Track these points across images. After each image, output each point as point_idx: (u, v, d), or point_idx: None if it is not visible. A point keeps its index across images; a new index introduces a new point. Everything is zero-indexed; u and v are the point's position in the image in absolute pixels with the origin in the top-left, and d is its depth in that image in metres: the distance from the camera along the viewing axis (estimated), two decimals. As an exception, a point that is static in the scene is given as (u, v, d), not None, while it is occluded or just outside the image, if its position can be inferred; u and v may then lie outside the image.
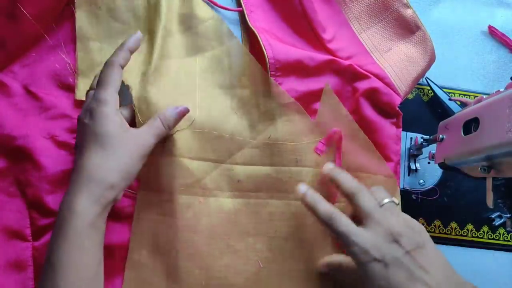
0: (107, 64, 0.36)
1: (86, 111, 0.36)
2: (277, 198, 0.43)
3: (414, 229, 0.36)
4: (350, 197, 0.38)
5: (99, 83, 0.36)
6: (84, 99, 0.41)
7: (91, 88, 0.39)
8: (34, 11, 0.41)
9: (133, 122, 0.40)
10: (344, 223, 0.36)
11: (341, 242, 0.36)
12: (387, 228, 0.35)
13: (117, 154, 0.35)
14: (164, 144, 0.41)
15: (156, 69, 0.43)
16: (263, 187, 0.43)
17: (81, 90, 0.43)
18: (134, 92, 0.41)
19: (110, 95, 0.35)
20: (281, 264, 0.42)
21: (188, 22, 0.45)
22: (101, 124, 0.35)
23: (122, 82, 0.41)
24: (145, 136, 0.37)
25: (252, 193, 0.43)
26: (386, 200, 0.37)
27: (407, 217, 0.37)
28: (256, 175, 0.43)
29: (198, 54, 0.45)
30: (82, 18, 0.43)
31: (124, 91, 0.41)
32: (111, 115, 0.35)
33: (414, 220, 0.37)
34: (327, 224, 0.36)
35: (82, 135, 0.35)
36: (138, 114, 0.40)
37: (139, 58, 0.44)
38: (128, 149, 0.35)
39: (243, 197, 0.43)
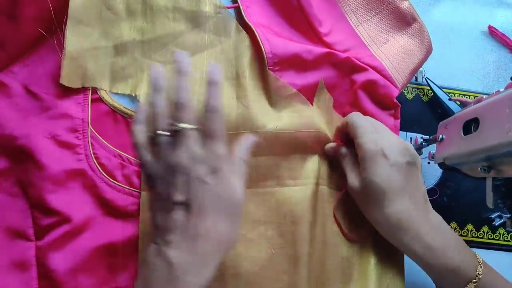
0: (216, 110, 0.33)
1: (203, 164, 0.31)
2: (284, 185, 0.43)
3: (416, 154, 0.40)
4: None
5: (212, 136, 0.32)
6: (67, 84, 0.41)
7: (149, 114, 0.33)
8: (34, 12, 0.41)
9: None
10: (363, 118, 0.41)
11: (353, 134, 0.40)
12: (400, 139, 0.40)
13: (238, 219, 0.33)
14: None
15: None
16: (270, 175, 0.43)
17: (66, 74, 0.42)
18: (142, 98, 0.43)
19: (227, 150, 0.33)
20: (293, 248, 0.42)
21: (196, 20, 0.45)
22: (230, 190, 0.32)
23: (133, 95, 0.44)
24: (242, 192, 0.33)
25: (260, 182, 0.43)
26: None
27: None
28: (264, 165, 0.43)
29: (207, 50, 0.45)
30: (76, 0, 0.43)
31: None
32: (237, 179, 0.33)
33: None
34: (347, 118, 0.41)
35: (202, 196, 0.31)
36: None
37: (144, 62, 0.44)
38: (241, 212, 0.34)
39: (252, 187, 0.43)
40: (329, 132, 0.45)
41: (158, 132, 0.32)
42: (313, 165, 0.44)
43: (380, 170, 0.37)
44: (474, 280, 0.37)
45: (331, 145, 0.44)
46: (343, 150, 0.43)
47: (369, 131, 0.39)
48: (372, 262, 0.43)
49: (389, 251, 0.43)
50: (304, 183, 0.44)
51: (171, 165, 0.31)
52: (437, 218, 0.40)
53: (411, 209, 0.38)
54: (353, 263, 0.44)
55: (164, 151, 0.32)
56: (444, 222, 0.40)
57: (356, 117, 0.41)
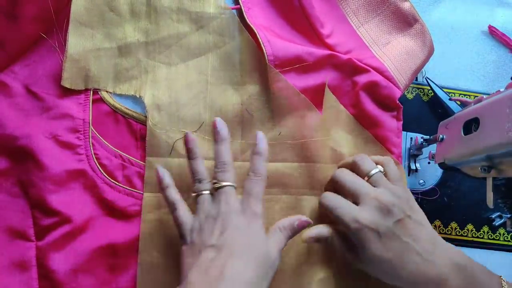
0: (259, 175, 0.38)
1: (240, 216, 0.35)
2: (289, 194, 0.43)
3: (401, 198, 0.38)
4: (338, 184, 0.40)
5: (251, 194, 0.37)
6: (69, 86, 0.42)
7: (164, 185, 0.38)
8: (34, 11, 0.41)
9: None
10: (332, 197, 0.39)
11: (332, 217, 0.38)
12: (378, 200, 0.37)
13: (268, 271, 0.34)
14: (172, 147, 0.42)
15: (168, 76, 0.44)
16: (275, 183, 0.43)
17: (68, 76, 0.42)
18: (146, 99, 0.43)
19: (261, 209, 0.36)
20: (295, 258, 0.42)
21: (200, 21, 0.45)
22: (262, 241, 0.35)
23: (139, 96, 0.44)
24: (274, 254, 0.36)
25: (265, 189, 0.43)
26: (373, 172, 0.39)
27: (392, 186, 0.39)
28: (269, 171, 0.43)
29: (211, 51, 0.45)
30: (78, 2, 0.43)
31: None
32: (262, 231, 0.36)
33: (401, 188, 0.39)
34: (320, 203, 0.40)
35: (234, 241, 0.34)
36: (150, 119, 0.42)
37: (150, 63, 0.44)
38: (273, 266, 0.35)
39: None
40: (336, 132, 0.45)
41: (203, 192, 0.37)
42: (318, 174, 0.44)
43: (375, 245, 0.36)
44: None
45: (310, 235, 0.40)
46: (325, 231, 0.40)
47: (345, 207, 0.37)
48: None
49: None
50: (309, 192, 0.44)
51: (211, 215, 0.36)
52: (452, 251, 0.38)
53: (422, 260, 0.36)
54: (359, 275, 0.43)
55: (204, 206, 0.37)
56: (461, 252, 0.38)
57: (328, 196, 0.39)
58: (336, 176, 0.40)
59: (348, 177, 0.39)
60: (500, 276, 0.38)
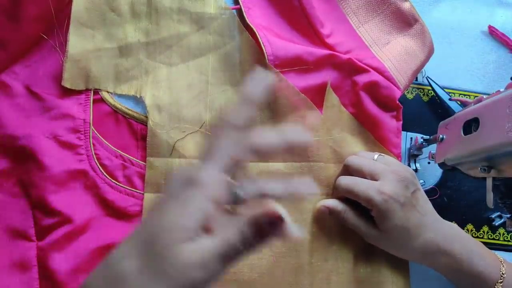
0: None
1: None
2: None
3: (411, 172, 0.40)
4: (353, 168, 0.41)
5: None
6: (69, 86, 0.42)
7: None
8: (35, 11, 0.41)
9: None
10: (350, 178, 0.40)
11: (355, 194, 0.39)
12: (397, 173, 0.39)
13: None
14: (173, 147, 0.42)
15: (168, 76, 0.44)
16: None
17: (69, 76, 0.42)
18: (147, 100, 0.43)
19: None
20: (296, 258, 0.42)
21: (201, 21, 0.45)
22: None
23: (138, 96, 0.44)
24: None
25: None
26: (376, 156, 0.42)
27: (400, 163, 0.42)
28: (268, 171, 0.43)
29: (211, 52, 0.45)
30: (79, 2, 0.43)
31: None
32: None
33: (404, 165, 0.42)
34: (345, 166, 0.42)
35: None
36: (150, 119, 0.42)
37: (150, 63, 0.44)
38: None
39: None
40: (336, 132, 0.45)
41: None
42: (319, 174, 0.44)
43: (398, 215, 0.38)
44: (500, 280, 0.38)
45: (324, 203, 0.42)
46: (340, 206, 0.41)
47: (366, 183, 0.39)
48: (383, 274, 0.43)
49: (397, 263, 0.43)
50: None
51: None
52: (453, 226, 0.41)
53: (433, 230, 0.39)
54: (362, 277, 0.43)
55: None
56: (460, 228, 0.41)
57: (346, 178, 0.40)
58: (349, 162, 0.41)
59: (362, 159, 0.41)
60: (496, 253, 0.41)
